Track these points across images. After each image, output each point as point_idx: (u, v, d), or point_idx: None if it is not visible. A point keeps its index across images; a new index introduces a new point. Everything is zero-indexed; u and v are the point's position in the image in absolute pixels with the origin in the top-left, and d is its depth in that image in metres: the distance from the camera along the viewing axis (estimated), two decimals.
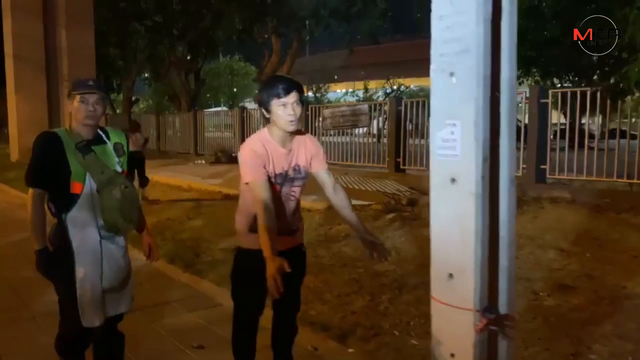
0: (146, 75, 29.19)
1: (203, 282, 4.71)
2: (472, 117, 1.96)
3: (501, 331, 2.06)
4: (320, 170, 2.66)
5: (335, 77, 51.18)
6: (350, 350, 3.29)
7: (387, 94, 32.27)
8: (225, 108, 39.58)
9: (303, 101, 2.54)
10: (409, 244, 5.82)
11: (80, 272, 2.43)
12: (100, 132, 2.57)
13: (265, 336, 2.80)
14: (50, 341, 3.37)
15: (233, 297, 2.73)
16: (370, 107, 12.68)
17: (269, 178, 2.47)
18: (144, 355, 3.09)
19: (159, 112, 25.86)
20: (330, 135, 13.40)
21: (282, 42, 19.93)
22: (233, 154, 17.25)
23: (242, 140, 17.21)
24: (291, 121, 2.44)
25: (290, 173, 2.57)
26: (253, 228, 2.53)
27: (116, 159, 2.55)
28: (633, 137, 8.54)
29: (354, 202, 8.44)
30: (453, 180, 2.04)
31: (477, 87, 1.93)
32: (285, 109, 2.42)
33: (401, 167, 11.38)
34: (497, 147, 2.00)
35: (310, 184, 2.70)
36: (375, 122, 13.21)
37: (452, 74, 2.00)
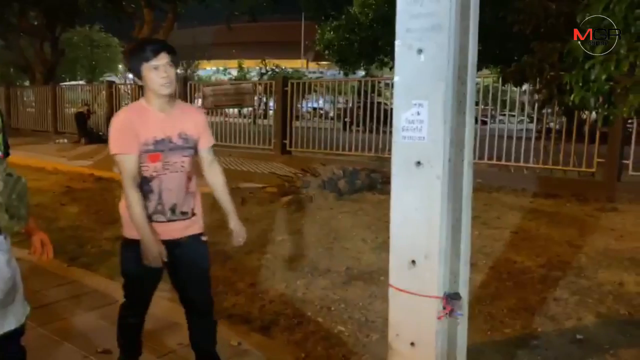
0: None
1: (94, 276, 4.18)
2: (442, 97, 1.87)
3: (463, 317, 2.03)
4: (206, 147, 2.49)
5: (206, 53, 49.27)
6: None
7: (262, 75, 31.77)
8: (82, 82, 36.24)
9: (176, 63, 2.38)
10: (310, 227, 5.74)
11: None
12: None
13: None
14: None
15: (124, 290, 2.58)
16: (253, 86, 12.37)
17: (146, 146, 2.30)
18: None
19: (9, 84, 22.90)
20: (213, 114, 12.77)
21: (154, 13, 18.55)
22: (100, 133, 15.90)
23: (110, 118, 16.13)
24: (164, 84, 2.28)
25: (176, 140, 2.38)
26: None
27: None
28: None
29: (246, 184, 8.24)
30: (418, 163, 1.94)
31: (448, 66, 1.85)
32: (157, 72, 2.26)
33: (287, 148, 11.29)
34: (462, 129, 1.94)
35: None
36: (258, 102, 12.91)
37: (420, 51, 1.90)
